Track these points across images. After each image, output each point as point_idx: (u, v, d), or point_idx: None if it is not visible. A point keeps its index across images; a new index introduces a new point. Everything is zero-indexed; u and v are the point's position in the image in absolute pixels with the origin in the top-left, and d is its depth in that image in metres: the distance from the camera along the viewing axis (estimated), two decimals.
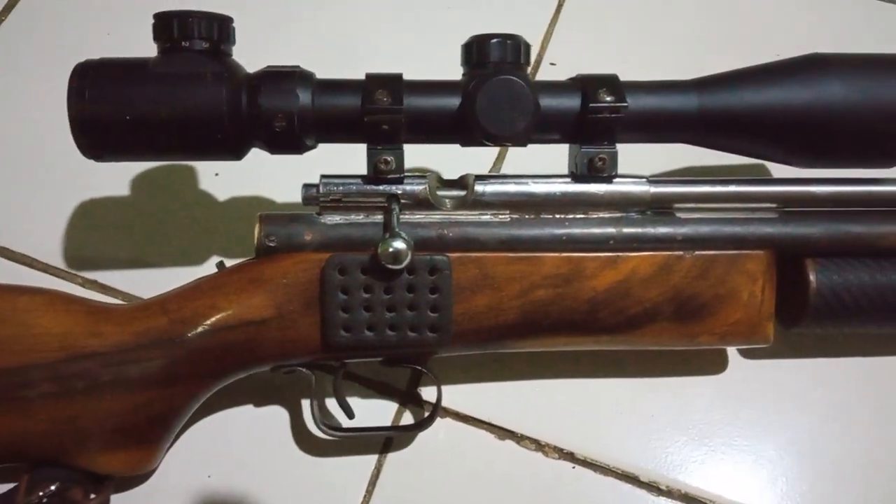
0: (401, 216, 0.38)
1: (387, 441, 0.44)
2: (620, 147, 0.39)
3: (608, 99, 0.37)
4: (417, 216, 0.39)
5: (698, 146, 0.40)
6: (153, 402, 0.38)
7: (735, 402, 0.44)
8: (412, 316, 0.38)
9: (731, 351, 0.45)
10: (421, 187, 0.39)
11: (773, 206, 0.40)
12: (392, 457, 0.44)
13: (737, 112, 0.38)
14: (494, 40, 0.37)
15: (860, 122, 0.38)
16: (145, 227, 0.49)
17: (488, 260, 0.39)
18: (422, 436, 0.44)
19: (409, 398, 0.45)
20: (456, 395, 0.45)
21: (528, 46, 0.38)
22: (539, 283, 0.39)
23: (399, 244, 0.37)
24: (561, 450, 0.44)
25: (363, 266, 0.38)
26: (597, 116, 0.38)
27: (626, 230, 0.39)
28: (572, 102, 0.38)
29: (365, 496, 0.42)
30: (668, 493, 0.42)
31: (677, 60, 0.54)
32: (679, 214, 0.40)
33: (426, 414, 0.44)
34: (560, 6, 0.57)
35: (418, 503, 0.43)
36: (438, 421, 0.44)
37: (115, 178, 0.49)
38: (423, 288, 0.38)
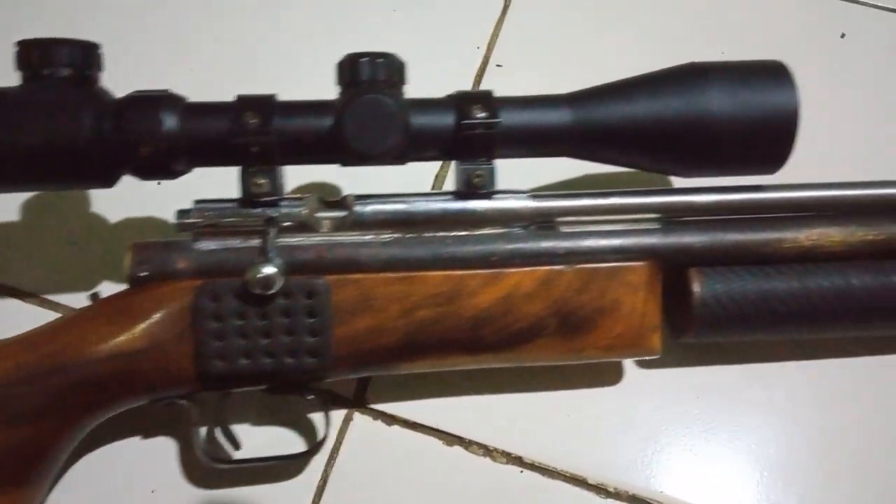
0: (278, 239, 0.38)
1: (333, 450, 0.43)
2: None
3: (481, 115, 0.37)
4: (296, 239, 0.38)
5: (577, 159, 0.40)
6: (26, 442, 0.37)
7: (681, 404, 0.44)
8: (289, 341, 0.38)
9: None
10: (299, 209, 0.38)
11: (656, 216, 0.40)
12: (339, 465, 0.43)
13: (611, 125, 0.38)
14: (364, 59, 0.37)
15: (736, 130, 0.37)
16: (21, 255, 0.47)
17: (368, 281, 0.38)
18: (370, 443, 0.43)
19: (359, 403, 0.44)
20: (404, 403, 0.44)
21: (401, 65, 0.38)
22: (421, 302, 0.38)
23: (268, 269, 0.36)
24: (509, 454, 0.43)
25: (236, 292, 0.37)
26: (470, 133, 0.37)
27: (509, 246, 0.39)
28: (446, 120, 0.38)
29: None
30: (616, 494, 0.42)
31: (627, 60, 0.53)
32: (562, 228, 0.40)
33: (322, 437, 0.42)
34: (507, 6, 0.56)
35: None
36: (387, 428, 0.44)
37: None
38: (300, 312, 0.37)
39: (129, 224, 0.48)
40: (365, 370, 0.40)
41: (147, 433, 0.43)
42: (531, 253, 0.39)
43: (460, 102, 0.38)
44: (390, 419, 0.44)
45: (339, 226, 0.39)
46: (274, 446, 0.42)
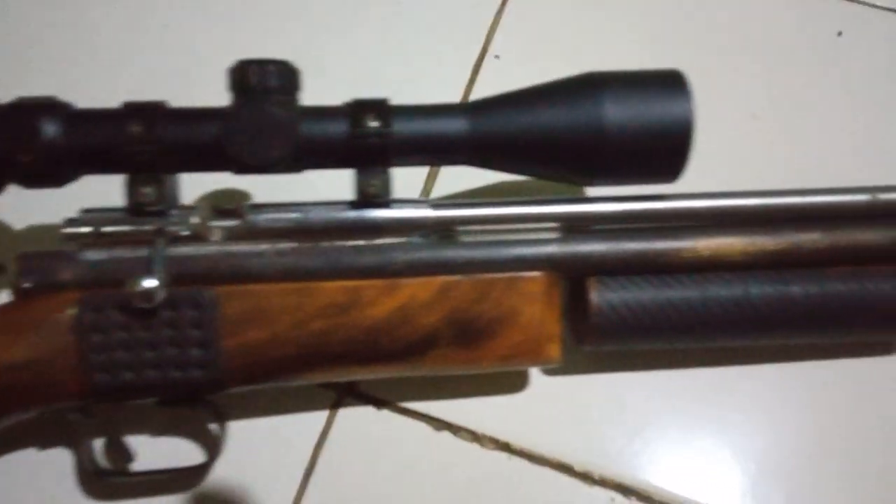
0: (168, 249, 0.37)
1: (323, 433, 0.44)
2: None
3: (374, 124, 0.36)
4: (187, 249, 0.37)
5: (476, 167, 0.39)
6: None
7: (670, 397, 0.44)
8: (176, 354, 0.37)
9: None
10: (189, 219, 0.37)
11: (556, 225, 0.39)
12: (328, 448, 0.43)
13: (507, 135, 0.37)
14: (254, 66, 0.36)
15: (630, 140, 0.36)
16: None
17: (261, 292, 0.37)
18: (359, 427, 0.44)
19: (349, 387, 0.45)
20: (393, 388, 0.44)
21: (294, 72, 0.37)
22: (315, 314, 0.37)
23: (149, 281, 0.35)
24: (497, 440, 0.44)
25: (119, 304, 0.36)
26: (363, 142, 0.37)
27: (407, 256, 0.38)
28: (338, 128, 0.37)
29: (297, 493, 0.42)
30: (602, 482, 0.43)
31: (627, 53, 0.54)
32: (462, 238, 0.39)
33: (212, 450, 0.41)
34: None
35: (355, 496, 0.42)
36: (376, 413, 0.44)
37: None
38: (186, 324, 0.37)
39: (17, 234, 0.47)
40: (259, 382, 0.39)
41: (44, 445, 0.42)
42: (430, 263, 0.38)
43: (354, 111, 0.37)
44: (380, 403, 0.44)
45: (232, 235, 0.38)
46: (172, 458, 0.42)
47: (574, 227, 0.40)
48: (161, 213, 0.37)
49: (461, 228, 0.39)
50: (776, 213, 0.40)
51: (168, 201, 0.37)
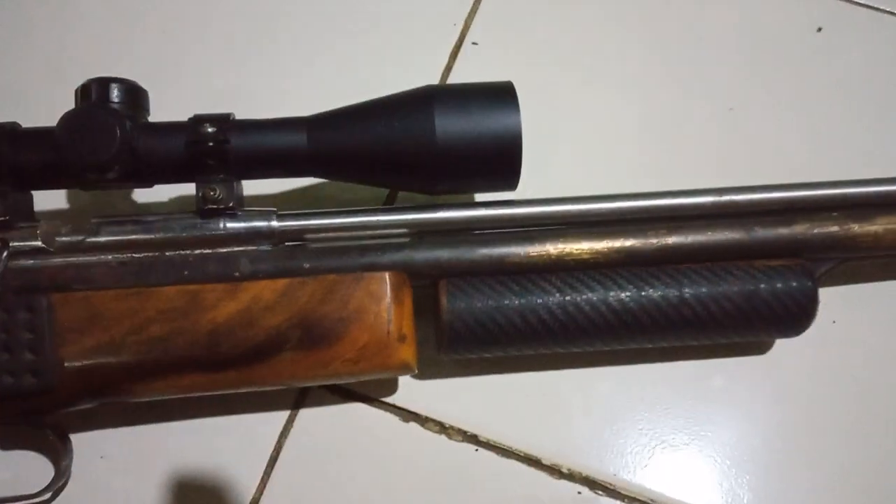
0: (12, 261, 0.37)
1: (287, 423, 0.43)
2: None
3: (213, 140, 0.37)
4: (30, 262, 0.38)
5: (320, 178, 0.40)
6: None
7: (640, 389, 0.44)
8: (7, 359, 0.36)
9: None
10: (33, 233, 0.38)
11: (406, 231, 0.40)
12: (292, 439, 0.43)
13: (346, 148, 0.38)
14: (95, 83, 0.36)
15: (461, 151, 0.37)
16: None
17: (98, 297, 0.37)
18: (325, 418, 0.43)
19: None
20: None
21: (138, 90, 0.38)
22: (154, 318, 0.37)
23: None
24: (465, 432, 0.43)
25: None
26: (202, 156, 0.37)
27: (252, 264, 0.38)
28: (178, 142, 0.37)
29: (261, 482, 0.42)
30: (570, 475, 0.42)
31: (604, 40, 0.53)
32: (311, 245, 0.39)
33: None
34: None
35: (319, 488, 0.42)
36: (342, 403, 0.44)
37: None
38: (19, 328, 0.36)
39: None
40: (101, 395, 0.38)
41: None
42: (275, 271, 0.38)
43: (194, 125, 0.37)
44: (346, 394, 0.44)
45: (76, 248, 0.38)
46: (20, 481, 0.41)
47: (425, 232, 0.40)
48: (6, 227, 0.38)
49: (310, 237, 0.40)
50: (626, 216, 0.41)
51: (13, 215, 0.38)
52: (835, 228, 0.41)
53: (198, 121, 0.38)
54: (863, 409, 0.44)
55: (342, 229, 0.40)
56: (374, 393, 0.44)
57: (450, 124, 0.37)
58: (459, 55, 0.53)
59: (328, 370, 0.38)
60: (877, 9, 0.55)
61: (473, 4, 0.55)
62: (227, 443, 0.42)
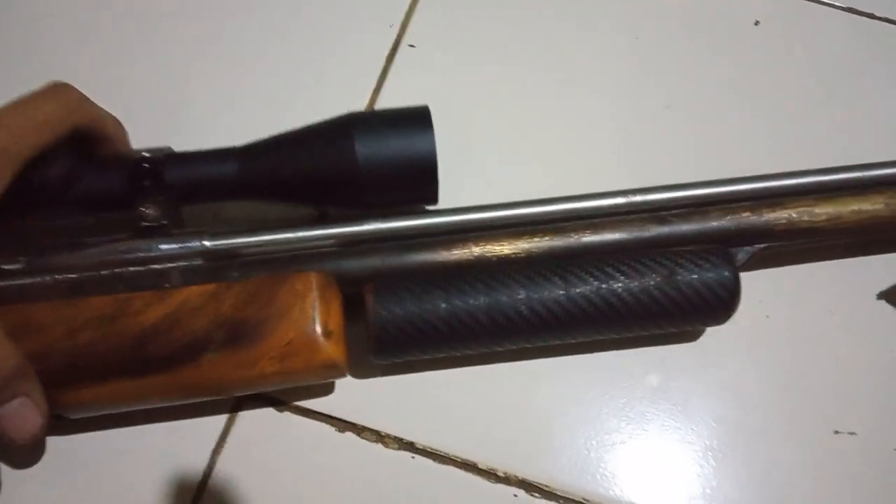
0: None
1: (221, 437, 0.43)
2: None
3: (150, 174, 0.38)
4: None
5: (253, 201, 0.41)
6: None
7: (575, 388, 0.44)
8: None
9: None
10: None
11: (334, 242, 0.41)
12: (226, 453, 0.42)
13: (275, 176, 0.39)
14: None
15: (382, 175, 0.39)
16: None
17: (31, 308, 0.38)
18: (259, 430, 0.43)
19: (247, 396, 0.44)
20: (295, 388, 0.44)
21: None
22: (85, 325, 0.37)
23: None
24: (401, 440, 0.43)
25: None
26: (141, 188, 0.38)
27: (184, 278, 0.39)
28: (118, 176, 0.39)
29: (195, 496, 0.41)
30: (506, 479, 0.42)
31: (542, 39, 0.53)
32: (243, 259, 0.40)
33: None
34: None
35: (254, 501, 0.42)
36: (277, 414, 0.43)
37: None
38: None
39: None
40: None
41: None
42: (205, 281, 0.39)
43: (133, 159, 0.39)
44: (281, 405, 0.43)
45: (15, 274, 0.39)
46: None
47: (354, 243, 0.41)
48: None
49: (242, 253, 0.41)
50: (544, 220, 0.42)
51: None
52: (750, 216, 0.42)
53: (137, 154, 0.39)
54: (792, 396, 0.44)
55: (273, 244, 0.41)
56: (308, 403, 0.43)
57: (369, 150, 0.38)
58: (396, 58, 0.53)
59: (255, 370, 0.38)
60: (815, 0, 0.55)
61: (410, 6, 0.55)
62: (157, 460, 0.42)
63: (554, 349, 0.44)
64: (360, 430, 0.43)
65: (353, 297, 0.41)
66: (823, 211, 0.42)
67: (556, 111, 0.51)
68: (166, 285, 0.39)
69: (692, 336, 0.45)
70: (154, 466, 0.42)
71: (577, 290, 0.40)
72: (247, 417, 0.43)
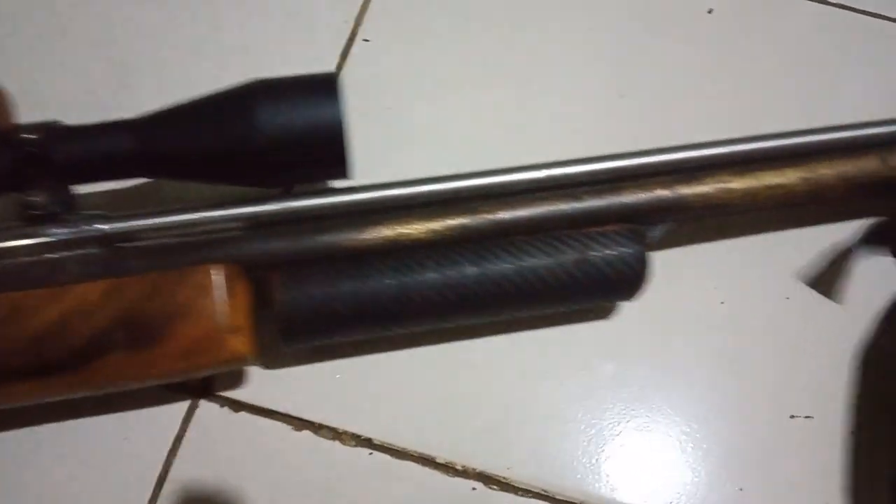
0: None
1: (177, 439, 0.42)
2: None
3: (32, 146, 0.36)
4: None
5: (154, 179, 0.39)
6: None
7: (531, 380, 0.44)
8: None
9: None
10: None
11: (240, 225, 0.39)
12: (182, 455, 0.42)
13: (173, 148, 0.37)
14: None
15: (285, 145, 0.36)
16: None
17: None
18: (216, 431, 0.42)
19: (205, 390, 0.43)
20: (251, 386, 0.43)
21: None
22: None
23: None
24: (358, 437, 0.43)
25: None
26: (26, 165, 0.36)
27: (80, 269, 0.37)
28: None
29: (151, 498, 0.41)
30: (464, 472, 0.42)
31: (496, 33, 0.53)
32: (142, 243, 0.38)
33: None
34: None
35: (211, 501, 0.41)
36: (234, 415, 0.43)
37: None
38: None
39: None
40: None
41: None
42: (103, 273, 0.37)
43: (14, 134, 0.36)
44: (237, 405, 0.43)
45: None
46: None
47: (260, 225, 0.39)
48: None
49: (142, 237, 0.38)
50: (459, 196, 0.40)
51: None
52: (664, 192, 0.41)
53: (17, 130, 0.36)
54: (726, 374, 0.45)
55: (175, 227, 0.38)
56: (265, 402, 0.43)
57: (271, 119, 0.36)
58: (351, 53, 0.53)
59: (161, 368, 0.37)
60: None
61: (363, 1, 0.54)
62: (112, 461, 0.42)
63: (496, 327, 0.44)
64: (316, 428, 0.43)
65: (264, 280, 0.39)
66: (739, 186, 0.41)
67: (510, 102, 0.51)
68: (61, 278, 0.37)
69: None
70: (108, 469, 0.42)
71: (489, 269, 0.39)
72: (203, 418, 0.43)
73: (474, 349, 0.45)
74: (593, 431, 0.43)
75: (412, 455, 0.43)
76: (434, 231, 0.40)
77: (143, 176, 0.39)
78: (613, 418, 0.44)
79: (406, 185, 0.40)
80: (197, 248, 0.38)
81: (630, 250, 0.40)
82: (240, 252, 0.38)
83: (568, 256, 0.40)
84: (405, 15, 0.54)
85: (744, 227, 0.48)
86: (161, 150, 0.37)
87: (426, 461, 0.42)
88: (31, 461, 0.42)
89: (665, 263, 0.45)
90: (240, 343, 0.38)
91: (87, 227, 0.37)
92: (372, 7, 0.54)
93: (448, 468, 0.42)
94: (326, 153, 0.37)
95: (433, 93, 0.52)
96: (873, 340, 0.45)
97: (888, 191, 0.43)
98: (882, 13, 0.54)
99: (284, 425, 0.43)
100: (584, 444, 0.43)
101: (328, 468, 0.42)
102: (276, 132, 0.36)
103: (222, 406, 0.43)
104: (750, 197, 0.41)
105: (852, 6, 0.54)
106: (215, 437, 0.43)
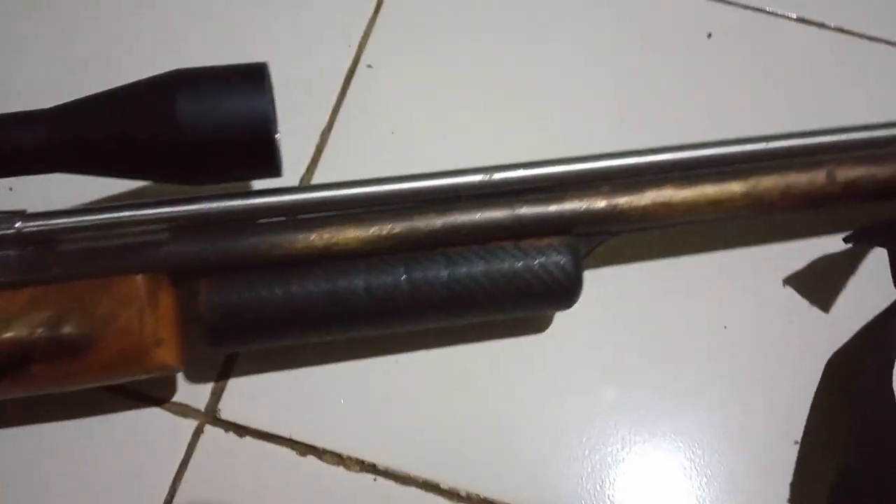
0: None
1: (182, 463, 0.43)
2: None
3: None
4: None
5: (71, 173, 0.36)
6: None
7: (531, 407, 0.44)
8: None
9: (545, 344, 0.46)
10: None
11: (166, 226, 0.37)
12: (187, 480, 0.42)
13: (88, 141, 0.35)
14: None
15: (208, 139, 0.34)
16: None
17: None
18: (221, 456, 0.42)
19: (210, 414, 0.44)
20: (257, 411, 0.44)
21: None
22: None
23: None
24: (363, 462, 0.43)
25: None
26: None
27: None
28: None
29: None
30: (468, 498, 0.42)
31: (500, 56, 0.54)
32: (62, 247, 0.36)
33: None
34: (380, 2, 0.56)
35: None
36: (239, 440, 0.43)
37: None
38: None
39: None
40: None
41: None
42: (20, 280, 0.36)
43: None
44: (242, 430, 0.43)
45: None
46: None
47: (187, 227, 0.38)
48: None
49: (62, 238, 0.37)
50: (395, 199, 0.40)
51: None
52: (603, 204, 0.40)
53: None
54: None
55: (96, 227, 0.37)
56: (269, 427, 0.43)
57: (192, 109, 0.34)
58: (354, 79, 0.53)
59: (86, 378, 0.37)
60: (762, 10, 0.56)
61: (367, 26, 0.55)
62: (117, 488, 0.42)
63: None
64: (321, 454, 0.43)
65: (190, 288, 0.39)
66: (682, 198, 0.41)
67: (513, 126, 0.51)
68: None
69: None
70: (114, 495, 0.42)
71: (419, 276, 0.38)
72: (208, 443, 0.43)
73: (479, 374, 0.45)
74: (597, 457, 0.43)
75: (416, 481, 0.43)
76: (366, 241, 0.39)
77: (58, 170, 0.36)
78: (616, 444, 0.44)
79: (340, 188, 0.39)
80: (121, 254, 0.37)
81: (563, 263, 0.40)
82: (164, 258, 0.37)
83: (502, 267, 0.39)
84: (409, 39, 0.54)
85: (733, 240, 0.48)
86: (73, 141, 0.35)
87: (430, 487, 0.43)
88: (32, 487, 0.42)
89: (664, 287, 0.45)
90: (164, 355, 0.37)
91: (1, 227, 0.36)
92: (376, 31, 0.55)
93: (452, 494, 0.42)
94: (253, 148, 0.35)
95: (436, 115, 0.52)
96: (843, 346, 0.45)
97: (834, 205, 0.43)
98: (882, 37, 0.54)
99: (289, 450, 0.43)
100: (588, 469, 0.43)
101: (333, 494, 0.42)
102: (198, 123, 0.34)
103: (227, 431, 0.43)
104: (690, 209, 0.41)
105: (852, 30, 0.55)
106: (221, 462, 0.43)
